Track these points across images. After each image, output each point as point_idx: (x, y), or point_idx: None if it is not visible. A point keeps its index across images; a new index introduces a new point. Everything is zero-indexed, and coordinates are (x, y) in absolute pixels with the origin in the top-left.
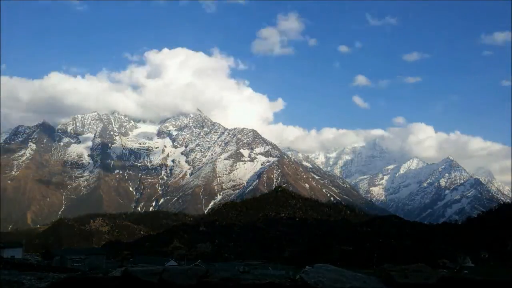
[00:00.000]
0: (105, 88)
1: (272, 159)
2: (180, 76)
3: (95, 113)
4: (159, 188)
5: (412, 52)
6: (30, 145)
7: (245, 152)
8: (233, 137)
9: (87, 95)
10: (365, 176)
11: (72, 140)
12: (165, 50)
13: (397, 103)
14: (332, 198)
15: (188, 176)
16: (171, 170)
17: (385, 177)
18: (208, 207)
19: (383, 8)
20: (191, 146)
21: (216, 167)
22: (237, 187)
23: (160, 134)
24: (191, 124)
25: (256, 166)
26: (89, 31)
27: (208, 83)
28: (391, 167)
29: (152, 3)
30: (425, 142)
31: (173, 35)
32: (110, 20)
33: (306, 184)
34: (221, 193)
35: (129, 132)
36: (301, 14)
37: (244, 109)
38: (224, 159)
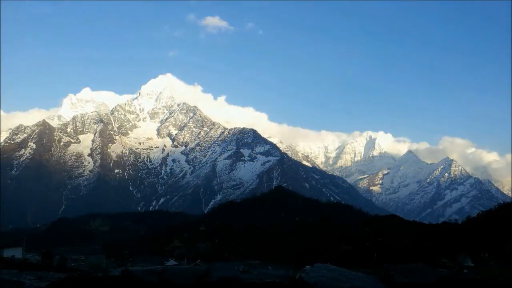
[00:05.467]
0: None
1: (272, 159)
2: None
3: (95, 113)
4: (159, 187)
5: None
6: (30, 145)
7: (245, 151)
8: (233, 136)
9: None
10: (365, 176)
11: (72, 140)
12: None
13: (397, 104)
14: (332, 198)
15: (188, 175)
16: (171, 169)
17: (385, 177)
18: (208, 207)
19: None
20: (191, 145)
21: (216, 166)
22: (237, 186)
23: (160, 133)
24: (191, 124)
25: (256, 165)
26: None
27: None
28: (390, 166)
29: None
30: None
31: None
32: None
33: (306, 184)
34: (221, 192)
35: (129, 132)
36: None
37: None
38: (224, 159)
